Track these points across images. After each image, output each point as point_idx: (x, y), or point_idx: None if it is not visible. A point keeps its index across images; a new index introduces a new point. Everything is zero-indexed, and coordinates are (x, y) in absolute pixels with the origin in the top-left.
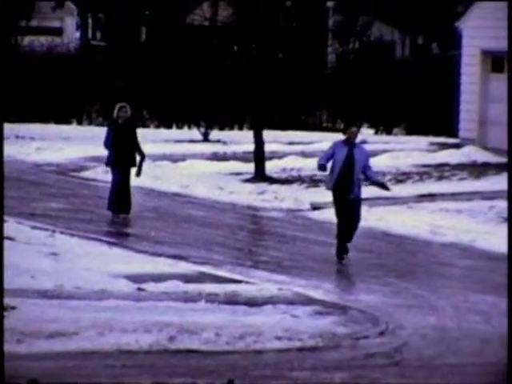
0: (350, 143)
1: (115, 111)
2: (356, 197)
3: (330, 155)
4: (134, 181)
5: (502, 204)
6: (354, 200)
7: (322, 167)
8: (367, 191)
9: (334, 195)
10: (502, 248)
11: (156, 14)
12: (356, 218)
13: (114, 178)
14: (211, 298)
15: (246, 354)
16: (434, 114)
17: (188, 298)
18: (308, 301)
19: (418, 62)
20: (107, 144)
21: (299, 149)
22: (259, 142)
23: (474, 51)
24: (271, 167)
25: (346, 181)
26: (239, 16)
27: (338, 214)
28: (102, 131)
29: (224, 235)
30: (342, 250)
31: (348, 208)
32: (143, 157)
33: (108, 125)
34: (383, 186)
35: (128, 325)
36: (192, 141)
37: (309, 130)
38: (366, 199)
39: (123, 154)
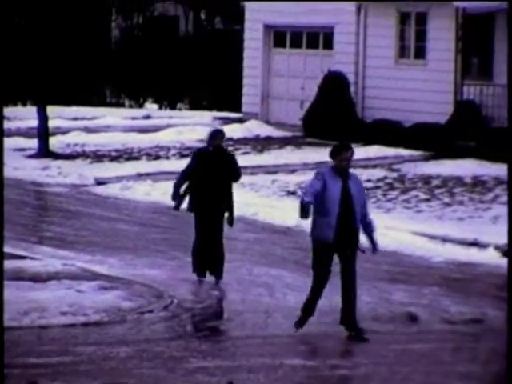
0: (342, 172)
1: (209, 138)
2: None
3: (318, 189)
4: None
5: (284, 178)
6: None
7: (306, 209)
8: (152, 165)
9: (321, 247)
10: (284, 222)
11: None
12: (353, 279)
13: (197, 229)
14: None
15: (31, 330)
16: (217, 89)
17: None
18: (93, 276)
19: (201, 37)
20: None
21: (83, 124)
22: (43, 118)
23: (256, 26)
24: (55, 143)
25: (346, 227)
26: None
27: (319, 270)
28: None
29: (8, 211)
30: (305, 317)
31: (343, 264)
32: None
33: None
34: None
35: None
36: None
37: (93, 106)
38: (149, 174)
39: (213, 195)
